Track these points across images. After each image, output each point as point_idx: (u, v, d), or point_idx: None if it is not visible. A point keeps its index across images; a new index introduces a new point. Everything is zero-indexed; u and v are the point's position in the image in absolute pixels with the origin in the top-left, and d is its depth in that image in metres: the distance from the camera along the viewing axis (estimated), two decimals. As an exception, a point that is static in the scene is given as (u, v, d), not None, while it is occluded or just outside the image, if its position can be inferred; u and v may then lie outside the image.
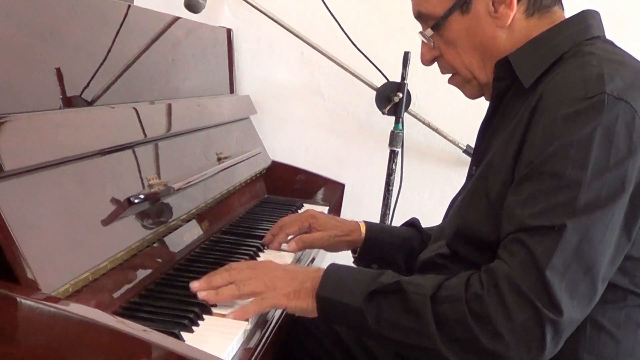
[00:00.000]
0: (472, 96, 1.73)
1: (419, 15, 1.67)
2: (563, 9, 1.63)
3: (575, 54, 1.52)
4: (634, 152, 1.36)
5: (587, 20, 1.59)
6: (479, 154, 1.71)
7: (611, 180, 1.36)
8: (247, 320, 1.53)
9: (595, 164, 1.35)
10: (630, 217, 1.39)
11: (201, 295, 1.56)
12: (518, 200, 1.43)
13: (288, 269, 1.63)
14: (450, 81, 1.73)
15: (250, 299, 1.56)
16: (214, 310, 1.56)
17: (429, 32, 1.65)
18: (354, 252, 2.08)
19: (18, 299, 1.19)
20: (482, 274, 1.41)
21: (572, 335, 1.42)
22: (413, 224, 2.07)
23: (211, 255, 1.91)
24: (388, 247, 1.96)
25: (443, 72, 1.73)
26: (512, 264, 1.38)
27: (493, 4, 1.56)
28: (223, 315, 1.54)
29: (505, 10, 1.56)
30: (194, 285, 1.58)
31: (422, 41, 1.70)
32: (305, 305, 1.54)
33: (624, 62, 1.48)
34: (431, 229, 2.02)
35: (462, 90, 1.73)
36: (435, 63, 1.73)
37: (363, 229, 2.01)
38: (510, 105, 1.61)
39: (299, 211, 2.65)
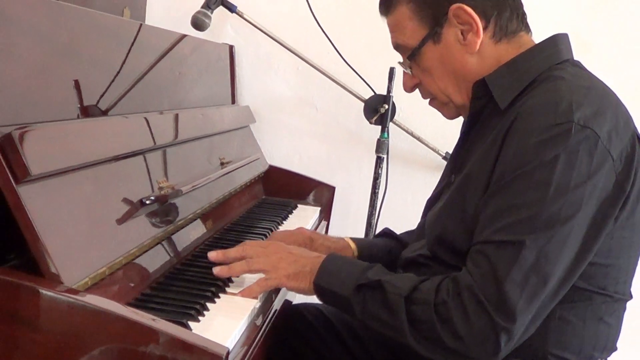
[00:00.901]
0: (450, 117, 1.73)
1: (397, 47, 1.69)
2: (529, 32, 1.64)
3: (546, 78, 1.52)
4: (593, 175, 1.38)
5: (557, 44, 1.59)
6: (457, 163, 1.71)
7: (570, 201, 1.37)
8: (256, 298, 1.59)
9: (557, 185, 1.37)
10: (592, 232, 1.41)
11: (215, 270, 1.63)
12: (486, 214, 1.45)
13: (293, 252, 1.68)
14: (430, 104, 1.74)
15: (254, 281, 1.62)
16: (227, 290, 1.62)
17: (407, 62, 1.66)
18: None
19: (42, 290, 1.20)
20: (449, 282, 1.44)
21: (542, 328, 1.45)
22: (388, 233, 2.08)
23: (214, 250, 1.91)
24: (377, 260, 1.97)
25: (424, 97, 1.74)
26: (474, 275, 1.41)
27: (462, 33, 1.57)
28: (234, 294, 1.60)
29: (473, 38, 1.56)
30: (212, 255, 1.68)
31: (404, 71, 1.71)
32: (304, 286, 1.60)
33: (591, 87, 1.48)
34: (408, 233, 2.04)
35: (441, 112, 1.74)
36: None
37: (353, 245, 2.00)
38: (486, 121, 1.61)
39: (294, 211, 2.67)
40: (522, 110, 1.46)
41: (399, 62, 1.71)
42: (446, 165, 1.83)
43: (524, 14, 1.62)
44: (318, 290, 1.58)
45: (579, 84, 1.48)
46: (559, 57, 1.57)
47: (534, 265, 1.37)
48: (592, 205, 1.39)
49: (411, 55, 1.64)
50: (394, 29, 1.67)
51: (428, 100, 1.73)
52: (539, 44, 1.60)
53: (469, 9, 1.54)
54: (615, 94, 1.52)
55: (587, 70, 1.59)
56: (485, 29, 1.56)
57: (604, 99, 1.47)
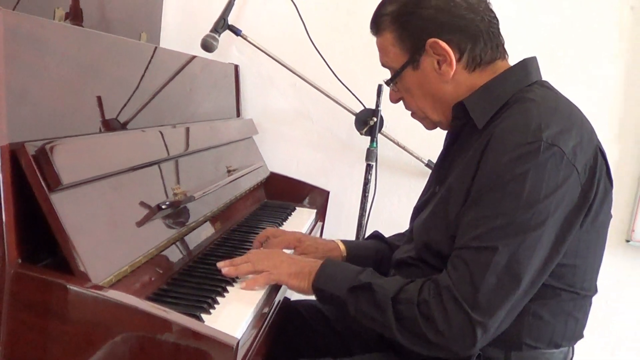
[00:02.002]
0: (429, 129, 1.74)
1: (384, 66, 1.70)
2: (505, 58, 1.64)
3: (518, 100, 1.53)
4: (560, 187, 1.40)
5: (527, 67, 1.61)
6: (440, 175, 1.72)
7: (540, 210, 1.39)
8: (263, 288, 1.65)
9: (528, 196, 1.39)
10: (560, 237, 1.43)
11: (224, 271, 1.66)
12: (464, 222, 1.47)
13: (293, 257, 1.73)
14: (412, 116, 1.75)
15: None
16: (235, 285, 1.65)
17: (391, 79, 1.68)
18: None
19: (72, 287, 1.22)
20: (430, 283, 1.47)
21: (518, 323, 1.49)
22: (377, 236, 2.08)
23: (222, 249, 1.94)
24: (364, 260, 1.98)
25: (407, 109, 1.75)
26: (453, 277, 1.44)
27: (437, 62, 1.57)
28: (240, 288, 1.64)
29: (447, 68, 1.57)
30: (220, 264, 1.69)
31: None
32: (303, 286, 1.63)
33: (557, 108, 1.50)
34: (396, 236, 2.05)
35: (421, 123, 1.74)
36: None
37: (342, 247, 2.01)
38: (466, 138, 1.62)
39: (293, 213, 2.68)
40: (497, 131, 1.48)
41: (384, 80, 1.73)
42: (430, 175, 1.84)
43: (499, 43, 1.62)
44: (316, 291, 1.61)
45: (547, 105, 1.49)
46: (528, 80, 1.59)
47: (506, 268, 1.40)
48: (560, 214, 1.42)
49: (394, 76, 1.66)
50: (381, 50, 1.69)
51: (411, 112, 1.75)
52: (510, 68, 1.61)
53: (443, 44, 1.55)
54: (579, 111, 1.54)
55: (554, 90, 1.60)
56: (459, 60, 1.57)
57: (570, 118, 1.48)
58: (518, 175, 1.40)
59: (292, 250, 1.99)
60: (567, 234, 1.44)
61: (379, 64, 1.71)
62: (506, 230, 1.40)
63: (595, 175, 1.45)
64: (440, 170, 1.74)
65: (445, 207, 1.56)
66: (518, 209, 1.39)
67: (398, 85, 1.68)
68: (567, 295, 1.53)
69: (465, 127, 1.63)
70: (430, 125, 1.72)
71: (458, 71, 1.58)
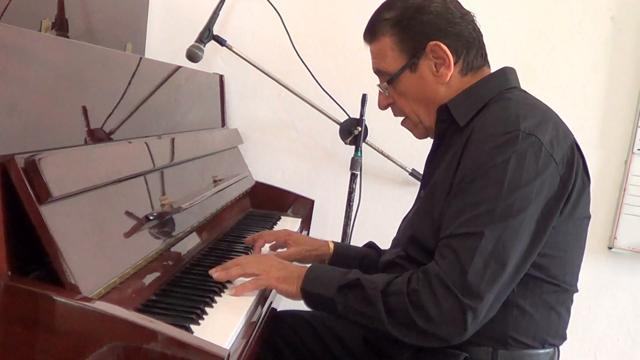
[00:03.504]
0: (420, 137, 1.79)
1: (378, 71, 1.73)
2: (490, 66, 1.71)
3: (497, 100, 1.60)
4: (539, 175, 1.45)
5: (507, 74, 1.69)
6: (426, 181, 1.76)
7: (522, 195, 1.44)
8: (253, 293, 1.66)
9: (509, 183, 1.44)
10: (542, 223, 1.47)
11: (215, 276, 1.68)
12: (450, 212, 1.51)
13: (282, 262, 1.73)
14: (402, 124, 1.79)
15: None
16: (223, 294, 1.64)
17: (385, 85, 1.71)
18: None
19: (61, 299, 1.21)
20: (419, 273, 1.49)
21: (501, 317, 1.52)
22: (371, 245, 2.11)
23: (209, 259, 1.93)
24: (351, 260, 2.00)
25: (395, 115, 1.80)
26: (441, 265, 1.46)
27: (435, 65, 1.64)
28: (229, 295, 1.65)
29: (445, 71, 1.64)
30: (212, 271, 1.70)
31: (380, 91, 1.76)
32: (291, 290, 1.64)
33: (535, 105, 1.58)
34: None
35: (412, 132, 1.80)
36: (389, 108, 1.79)
37: (332, 246, 2.05)
38: (449, 141, 1.66)
39: (278, 222, 2.68)
40: (478, 125, 1.54)
41: (377, 85, 1.76)
42: (419, 187, 1.87)
43: (486, 53, 1.71)
44: (304, 294, 1.61)
45: (524, 102, 1.58)
46: (508, 84, 1.66)
47: (492, 252, 1.43)
48: (540, 201, 1.46)
49: (390, 80, 1.69)
50: (376, 56, 1.72)
51: (400, 121, 1.78)
52: (491, 73, 1.69)
53: (444, 46, 1.61)
54: (555, 113, 1.59)
55: (532, 95, 1.66)
56: (455, 64, 1.64)
57: (545, 114, 1.54)
58: (499, 163, 1.45)
59: (284, 249, 2.03)
60: (548, 222, 1.48)
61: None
62: (491, 215, 1.44)
63: (573, 168, 1.50)
64: (426, 175, 1.79)
65: (431, 203, 1.60)
66: (501, 195, 1.44)
67: (392, 89, 1.71)
68: (548, 287, 1.56)
69: (449, 130, 1.68)
70: (421, 132, 1.77)
71: (453, 75, 1.65)
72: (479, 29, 1.69)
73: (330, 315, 1.64)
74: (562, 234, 1.53)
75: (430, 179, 1.68)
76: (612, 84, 2.96)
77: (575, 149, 1.53)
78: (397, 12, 1.66)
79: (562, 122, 1.57)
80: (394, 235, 1.89)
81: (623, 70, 2.95)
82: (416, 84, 1.67)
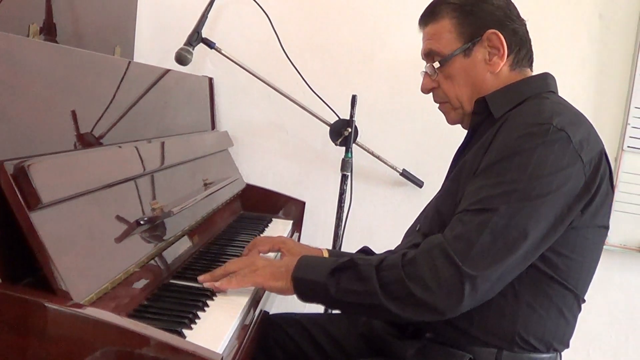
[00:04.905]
0: (453, 122, 1.81)
1: (429, 53, 1.76)
2: (532, 71, 1.75)
3: (534, 98, 1.63)
4: (564, 169, 1.46)
5: (547, 79, 1.72)
6: (453, 169, 1.77)
7: (542, 183, 1.45)
8: (236, 287, 1.64)
9: (533, 170, 1.45)
10: (559, 217, 1.47)
11: (200, 278, 1.68)
12: (469, 190, 1.53)
13: (269, 259, 1.76)
14: (440, 108, 1.82)
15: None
16: (215, 298, 1.63)
17: (437, 65, 1.73)
18: None
19: (52, 306, 1.21)
20: (422, 244, 1.51)
21: (511, 312, 1.53)
22: (365, 251, 2.09)
23: (201, 262, 1.93)
24: None
25: (436, 100, 1.82)
26: (446, 236, 1.48)
27: (488, 54, 1.68)
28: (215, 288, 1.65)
29: (497, 61, 1.68)
30: (201, 279, 1.69)
31: (426, 73, 1.78)
32: (281, 285, 1.63)
33: (569, 108, 1.60)
34: (385, 253, 2.03)
35: (446, 116, 1.82)
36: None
37: (326, 253, 2.03)
38: (481, 134, 1.67)
39: (269, 225, 2.68)
40: (512, 115, 1.58)
41: (426, 66, 1.78)
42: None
43: (533, 58, 1.76)
44: (295, 282, 1.61)
45: (560, 102, 1.62)
46: (547, 88, 1.70)
47: (503, 231, 1.43)
48: (561, 195, 1.46)
49: (442, 60, 1.72)
50: (432, 37, 1.74)
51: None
52: (533, 75, 1.73)
53: (502, 36, 1.66)
54: (589, 120, 1.61)
55: (569, 102, 1.68)
56: (507, 56, 1.68)
57: (580, 118, 1.58)
58: (526, 149, 1.46)
59: (278, 254, 2.03)
60: (566, 217, 1.48)
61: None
62: (508, 196, 1.45)
63: (599, 174, 1.51)
64: (454, 166, 1.80)
65: (456, 185, 1.61)
66: (522, 179, 1.45)
67: (441, 72, 1.73)
68: (559, 290, 1.57)
69: (483, 124, 1.70)
70: (458, 116, 1.79)
71: (503, 67, 1.69)
72: (529, 35, 1.74)
73: (324, 303, 1.64)
74: (582, 238, 1.54)
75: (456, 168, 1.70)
76: (600, 82, 2.98)
77: (603, 157, 1.55)
78: None
79: (595, 130, 1.58)
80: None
81: (612, 68, 2.96)
82: (467, 68, 1.70)
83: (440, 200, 1.69)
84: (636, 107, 2.94)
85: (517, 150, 1.47)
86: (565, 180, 1.46)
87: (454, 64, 1.71)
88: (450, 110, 1.79)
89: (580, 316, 1.66)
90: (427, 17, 1.76)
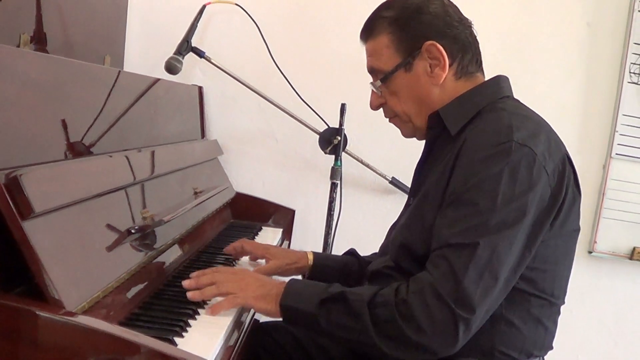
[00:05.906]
0: (407, 135, 1.79)
1: (372, 70, 1.74)
2: (483, 74, 1.72)
3: (490, 109, 1.61)
4: (533, 186, 1.44)
5: (500, 83, 1.69)
6: (415, 188, 1.77)
7: (516, 207, 1.43)
8: (227, 310, 1.60)
9: (504, 194, 1.43)
10: (532, 236, 1.46)
11: (189, 295, 1.63)
12: (443, 223, 1.49)
13: (259, 278, 1.68)
14: (390, 121, 1.80)
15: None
16: (206, 307, 1.62)
17: (378, 83, 1.71)
18: (302, 276, 2.09)
19: (44, 314, 1.22)
20: (410, 282, 1.47)
21: (489, 330, 1.51)
22: (351, 253, 2.11)
23: (191, 270, 1.86)
24: (331, 270, 2.00)
25: (386, 116, 1.80)
26: (435, 275, 1.44)
27: (430, 66, 1.64)
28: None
29: (439, 72, 1.64)
30: (185, 283, 1.67)
31: (372, 91, 1.76)
32: (270, 308, 1.59)
33: (528, 116, 1.57)
34: (371, 255, 2.06)
35: (400, 129, 1.80)
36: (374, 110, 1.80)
37: (310, 257, 2.04)
38: (440, 149, 1.67)
39: (259, 233, 2.70)
40: (470, 135, 1.54)
41: (370, 83, 1.76)
42: (408, 195, 1.88)
43: (481, 60, 1.72)
44: (284, 310, 1.56)
45: (517, 112, 1.57)
46: (500, 93, 1.67)
47: (487, 264, 1.41)
48: (533, 213, 1.45)
49: (384, 78, 1.70)
50: (371, 54, 1.72)
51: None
52: (484, 82, 1.70)
53: (440, 47, 1.62)
54: (547, 123, 1.59)
55: (525, 105, 1.67)
56: (450, 66, 1.65)
57: (538, 125, 1.55)
58: (493, 174, 1.44)
59: (263, 261, 2.04)
60: (538, 234, 1.48)
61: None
62: (485, 227, 1.42)
63: (564, 181, 1.51)
64: (416, 182, 1.79)
65: (421, 212, 1.59)
66: (495, 206, 1.43)
67: (385, 88, 1.72)
68: (537, 301, 1.56)
69: (439, 138, 1.69)
70: (409, 131, 1.77)
71: (447, 77, 1.66)
72: (475, 36, 1.70)
73: (312, 333, 1.62)
74: (552, 247, 1.53)
75: (420, 187, 1.69)
76: (589, 90, 3.01)
77: (566, 161, 1.54)
78: (396, 11, 1.67)
79: (555, 133, 1.58)
80: (375, 243, 1.90)
81: (600, 75, 3.00)
82: (410, 83, 1.68)
83: (406, 227, 1.66)
84: (624, 115, 2.97)
85: (483, 176, 1.45)
86: (535, 197, 1.45)
87: (396, 80, 1.69)
88: (401, 125, 1.78)
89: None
90: (366, 34, 1.74)
